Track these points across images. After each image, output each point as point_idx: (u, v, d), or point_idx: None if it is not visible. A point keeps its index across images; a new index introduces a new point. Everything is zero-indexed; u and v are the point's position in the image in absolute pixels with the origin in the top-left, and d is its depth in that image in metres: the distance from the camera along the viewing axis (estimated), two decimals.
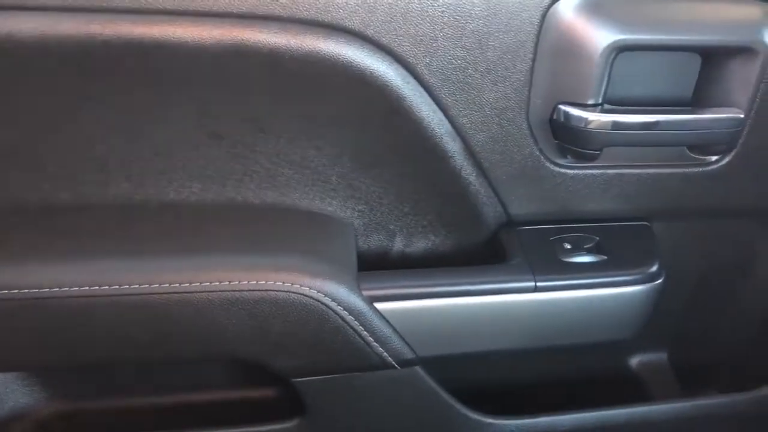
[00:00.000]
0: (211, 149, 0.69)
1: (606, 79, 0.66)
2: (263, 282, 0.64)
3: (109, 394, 0.81)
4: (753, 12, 0.66)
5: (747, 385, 0.86)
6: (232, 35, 0.59)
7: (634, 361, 0.97)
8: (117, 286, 0.62)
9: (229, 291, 0.64)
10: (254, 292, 0.64)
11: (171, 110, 0.66)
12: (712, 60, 0.70)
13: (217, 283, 0.63)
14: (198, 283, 0.63)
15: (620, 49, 0.65)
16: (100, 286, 0.62)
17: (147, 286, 0.62)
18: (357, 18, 0.60)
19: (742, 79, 0.69)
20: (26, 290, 0.61)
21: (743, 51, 0.67)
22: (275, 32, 0.59)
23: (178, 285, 0.63)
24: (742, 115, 0.70)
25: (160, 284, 0.63)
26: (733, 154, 0.74)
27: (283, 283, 0.64)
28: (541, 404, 0.83)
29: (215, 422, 0.76)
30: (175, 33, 0.58)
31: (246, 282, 0.64)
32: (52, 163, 0.68)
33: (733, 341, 0.94)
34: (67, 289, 0.61)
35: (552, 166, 0.72)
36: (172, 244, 0.67)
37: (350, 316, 0.67)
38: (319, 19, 0.60)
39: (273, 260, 0.66)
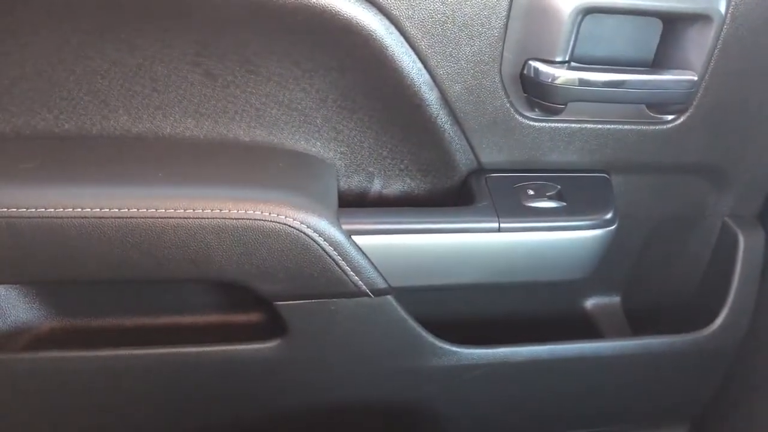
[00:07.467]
0: (206, 88, 0.73)
1: (573, 38, 0.71)
2: (251, 212, 0.69)
3: (105, 314, 0.87)
4: None
5: (688, 327, 0.94)
6: None
7: (589, 303, 1.04)
8: (117, 209, 0.67)
9: (219, 218, 0.68)
10: (242, 220, 0.69)
11: (169, 49, 0.70)
12: (673, 25, 0.75)
13: (209, 211, 0.68)
14: (192, 210, 0.68)
15: (587, 11, 0.69)
16: (101, 209, 0.66)
17: (145, 210, 0.67)
18: None
19: (698, 44, 0.74)
20: (33, 209, 0.65)
21: (700, 18, 0.72)
22: None
23: (173, 211, 0.68)
24: (696, 78, 0.75)
25: (157, 209, 0.67)
26: (687, 114, 0.79)
27: (269, 213, 0.69)
28: (502, 336, 0.89)
29: (203, 341, 0.81)
30: None
31: (236, 211, 0.69)
32: (57, 95, 0.71)
33: (679, 288, 1.01)
34: (71, 210, 0.66)
35: (521, 118, 0.77)
36: (168, 175, 0.71)
37: (330, 247, 0.72)
38: None
39: (260, 193, 0.71)
